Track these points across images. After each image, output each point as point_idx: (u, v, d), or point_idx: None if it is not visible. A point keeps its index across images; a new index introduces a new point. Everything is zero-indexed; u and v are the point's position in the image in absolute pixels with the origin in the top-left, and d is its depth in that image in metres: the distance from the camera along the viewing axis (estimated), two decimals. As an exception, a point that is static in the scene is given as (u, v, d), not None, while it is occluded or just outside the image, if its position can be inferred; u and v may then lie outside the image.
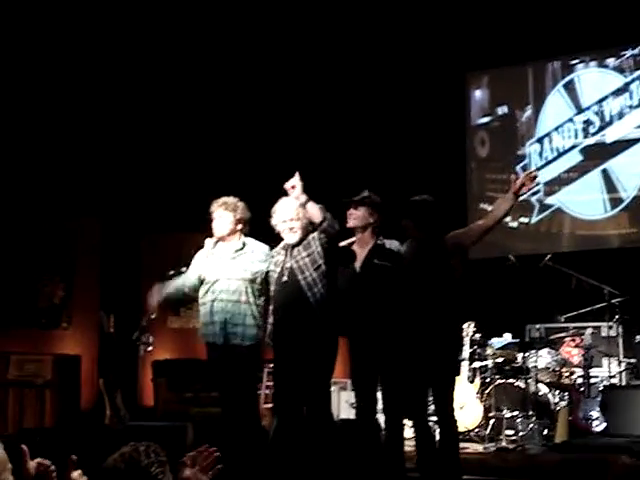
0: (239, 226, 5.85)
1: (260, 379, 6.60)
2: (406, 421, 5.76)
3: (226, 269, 5.79)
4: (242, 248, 5.84)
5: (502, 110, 10.38)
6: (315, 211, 5.42)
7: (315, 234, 5.59)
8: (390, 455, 5.50)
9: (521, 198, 9.81)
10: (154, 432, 6.19)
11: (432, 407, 5.59)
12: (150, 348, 7.79)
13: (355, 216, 5.59)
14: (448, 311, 5.41)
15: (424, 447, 5.44)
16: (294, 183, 5.38)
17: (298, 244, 5.63)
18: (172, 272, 6.11)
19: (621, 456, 5.91)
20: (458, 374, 6.00)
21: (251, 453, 5.65)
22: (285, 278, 5.58)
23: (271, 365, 8.70)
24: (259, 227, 5.90)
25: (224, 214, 5.82)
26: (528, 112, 10.23)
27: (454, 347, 5.66)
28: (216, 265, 5.84)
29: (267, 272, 5.76)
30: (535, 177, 5.58)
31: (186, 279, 5.95)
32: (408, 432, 5.89)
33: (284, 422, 5.62)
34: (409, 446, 5.66)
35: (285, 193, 5.50)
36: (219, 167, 9.93)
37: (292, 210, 5.60)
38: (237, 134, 10.24)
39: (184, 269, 6.05)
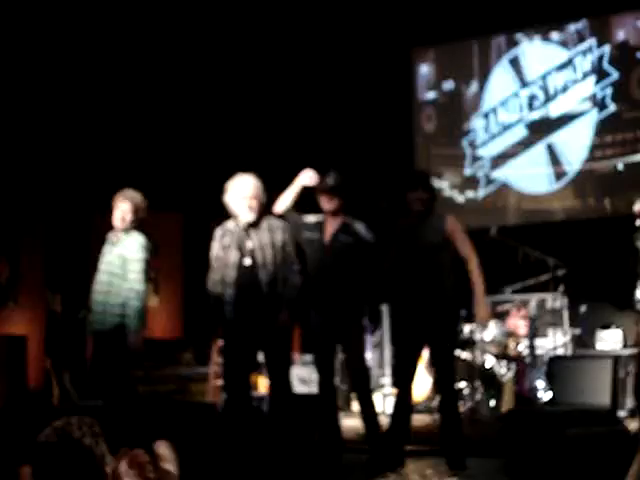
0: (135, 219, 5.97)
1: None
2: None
3: (104, 262, 5.96)
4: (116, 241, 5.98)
5: (448, 85, 10.43)
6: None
7: (279, 224, 5.67)
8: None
9: (468, 172, 10.08)
10: (102, 412, 6.15)
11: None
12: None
13: (331, 202, 5.81)
14: (452, 282, 5.56)
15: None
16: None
17: (256, 224, 5.62)
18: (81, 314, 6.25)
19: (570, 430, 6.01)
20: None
21: (197, 430, 5.71)
22: (248, 261, 5.58)
23: (221, 342, 8.73)
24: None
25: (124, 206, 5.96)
26: (474, 87, 10.28)
27: (456, 321, 5.93)
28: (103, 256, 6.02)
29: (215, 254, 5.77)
30: None
31: None
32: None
33: (233, 398, 5.66)
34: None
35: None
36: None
37: (251, 187, 5.60)
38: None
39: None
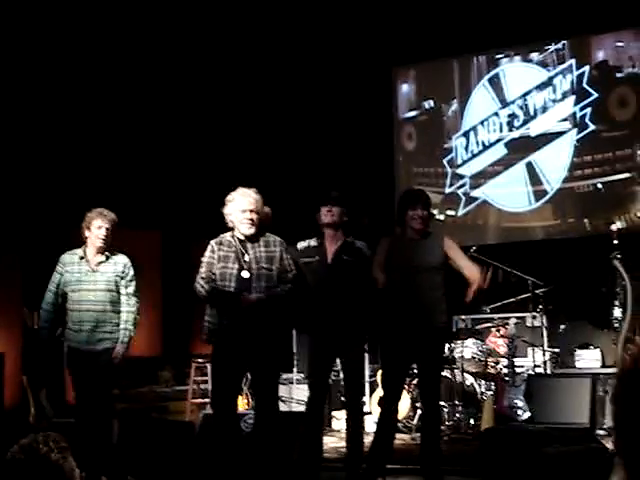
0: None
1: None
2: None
3: (89, 280, 6.07)
4: (106, 260, 6.14)
5: (428, 104, 10.48)
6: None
7: (277, 239, 5.65)
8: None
9: (448, 191, 10.12)
10: (79, 429, 6.10)
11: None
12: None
13: (334, 213, 5.80)
14: (445, 305, 5.62)
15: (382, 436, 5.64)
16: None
17: (253, 239, 5.60)
18: (58, 332, 6.26)
19: (547, 447, 6.02)
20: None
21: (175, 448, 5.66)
22: (246, 274, 5.52)
23: (200, 360, 8.68)
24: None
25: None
26: (454, 106, 10.34)
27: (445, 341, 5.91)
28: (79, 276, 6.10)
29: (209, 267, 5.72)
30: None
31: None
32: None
33: (220, 416, 5.59)
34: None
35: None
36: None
37: (253, 201, 5.58)
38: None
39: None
